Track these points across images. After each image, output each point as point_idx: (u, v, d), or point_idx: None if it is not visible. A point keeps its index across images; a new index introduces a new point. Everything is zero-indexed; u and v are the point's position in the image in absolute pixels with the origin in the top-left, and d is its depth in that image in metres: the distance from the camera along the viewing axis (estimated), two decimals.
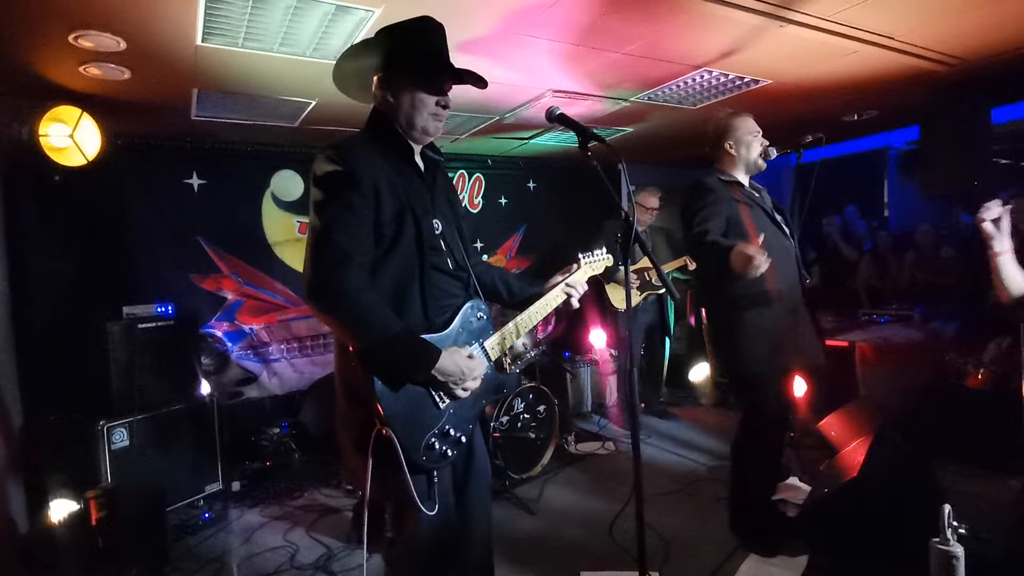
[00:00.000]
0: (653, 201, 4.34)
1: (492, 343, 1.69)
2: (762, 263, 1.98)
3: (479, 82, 1.61)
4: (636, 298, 4.34)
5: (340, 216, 1.42)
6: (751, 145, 2.50)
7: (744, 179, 2.54)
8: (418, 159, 1.64)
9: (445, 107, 1.57)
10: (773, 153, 2.53)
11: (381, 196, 1.47)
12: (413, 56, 1.53)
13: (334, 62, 2.61)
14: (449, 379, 1.47)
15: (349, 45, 2.36)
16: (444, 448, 1.52)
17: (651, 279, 4.32)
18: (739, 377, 2.56)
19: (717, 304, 2.54)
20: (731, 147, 2.51)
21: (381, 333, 1.39)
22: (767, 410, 2.49)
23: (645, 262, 4.34)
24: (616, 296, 4.31)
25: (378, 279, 1.49)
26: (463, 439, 1.57)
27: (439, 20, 1.59)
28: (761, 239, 2.15)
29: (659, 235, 4.51)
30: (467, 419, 1.60)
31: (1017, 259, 1.91)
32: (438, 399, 1.52)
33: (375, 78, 1.59)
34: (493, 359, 1.68)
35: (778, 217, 2.53)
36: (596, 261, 1.97)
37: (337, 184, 1.44)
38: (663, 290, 4.35)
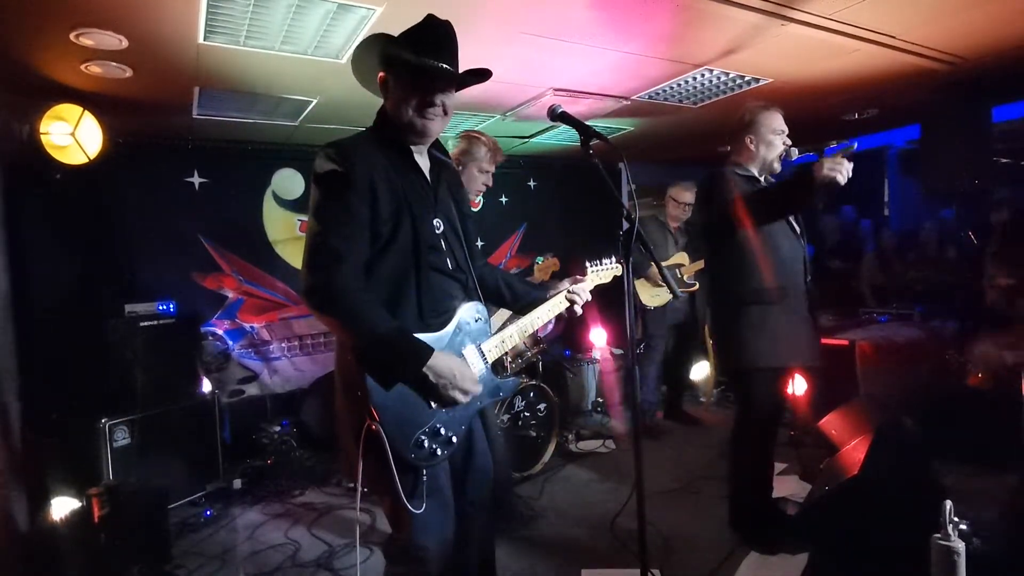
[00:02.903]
0: (687, 196, 4.11)
1: (490, 345, 1.68)
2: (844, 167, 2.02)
3: (478, 78, 1.57)
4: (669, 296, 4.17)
5: (336, 216, 1.43)
6: (772, 144, 2.45)
7: (758, 174, 2.50)
8: (420, 158, 1.63)
9: (432, 105, 1.52)
10: (795, 154, 2.47)
11: (378, 195, 1.47)
12: (400, 55, 1.51)
13: (336, 60, 2.62)
14: (440, 381, 1.45)
15: (350, 43, 2.38)
16: (434, 447, 1.50)
17: (683, 276, 4.21)
18: (737, 372, 2.57)
19: (721, 299, 2.56)
20: (751, 142, 2.46)
21: (372, 331, 1.40)
22: (763, 406, 2.50)
23: (676, 259, 4.23)
24: (646, 293, 4.14)
25: (374, 278, 1.49)
26: (454, 439, 1.55)
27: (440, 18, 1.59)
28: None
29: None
30: (460, 420, 1.58)
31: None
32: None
33: (378, 78, 1.59)
34: (491, 361, 1.68)
35: (790, 216, 2.50)
36: (603, 270, 1.96)
37: (334, 183, 1.44)
38: (696, 286, 4.22)
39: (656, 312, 4.20)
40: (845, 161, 2.02)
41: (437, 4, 2.04)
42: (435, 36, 1.54)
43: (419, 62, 1.48)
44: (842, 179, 2.02)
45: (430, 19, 1.56)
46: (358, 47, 1.60)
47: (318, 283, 1.41)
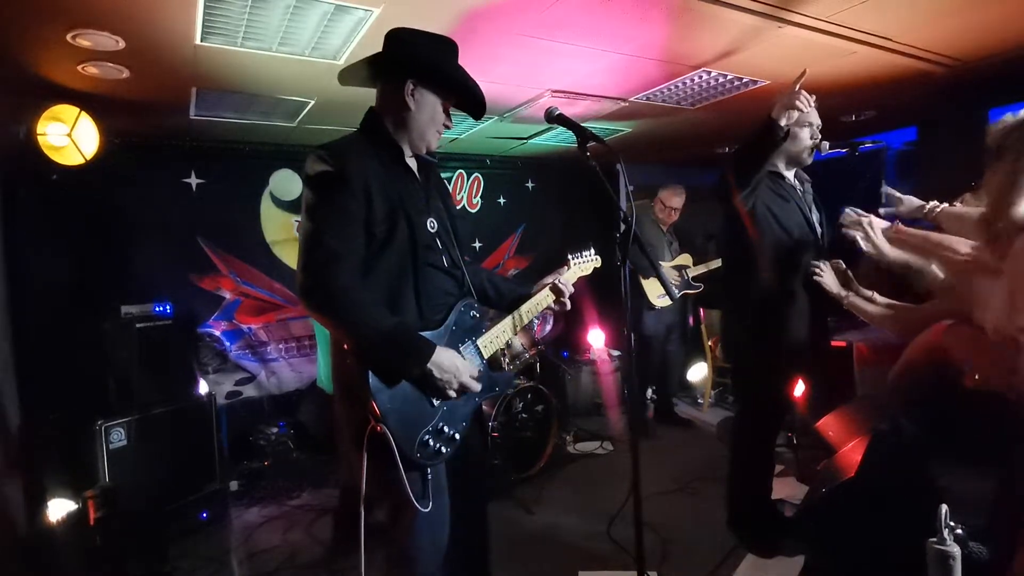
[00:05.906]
0: (676, 201, 4.19)
1: (485, 341, 1.70)
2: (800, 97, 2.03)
3: (477, 111, 1.73)
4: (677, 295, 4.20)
5: (330, 216, 1.44)
6: (797, 137, 2.31)
7: (784, 169, 2.41)
8: (410, 159, 1.66)
9: (448, 124, 1.66)
10: (825, 148, 2.37)
11: (372, 196, 1.48)
12: (449, 74, 1.61)
13: (333, 61, 2.61)
14: (445, 376, 1.48)
15: (348, 44, 2.38)
16: (438, 446, 1.53)
17: (689, 278, 4.24)
18: (741, 370, 2.56)
19: (731, 296, 2.55)
20: None
21: (375, 328, 1.41)
22: (765, 405, 2.49)
23: (680, 260, 4.25)
24: (654, 293, 4.09)
25: (372, 278, 1.50)
26: (457, 437, 1.57)
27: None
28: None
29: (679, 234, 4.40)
30: (461, 417, 1.60)
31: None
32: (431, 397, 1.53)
33: (407, 82, 1.56)
34: (487, 356, 1.70)
35: (814, 216, 2.44)
36: (585, 262, 2.00)
37: (327, 184, 1.45)
38: (699, 288, 4.24)
39: (653, 313, 4.19)
40: (802, 92, 2.04)
41: (436, 6, 2.05)
42: (455, 54, 1.66)
43: (472, 90, 1.63)
44: (802, 105, 2.04)
45: (449, 41, 1.64)
46: (387, 49, 1.61)
47: (315, 283, 1.41)
